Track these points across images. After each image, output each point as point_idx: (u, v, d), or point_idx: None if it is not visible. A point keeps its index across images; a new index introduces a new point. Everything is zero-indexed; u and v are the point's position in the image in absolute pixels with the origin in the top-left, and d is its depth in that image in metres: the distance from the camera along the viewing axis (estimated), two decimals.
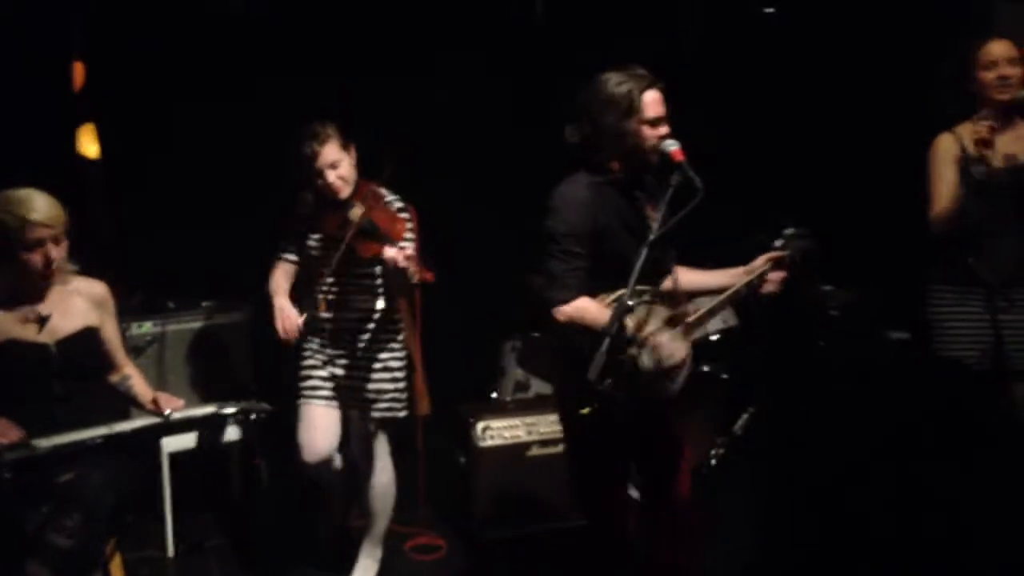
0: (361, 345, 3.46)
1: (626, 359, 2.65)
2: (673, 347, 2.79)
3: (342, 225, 3.33)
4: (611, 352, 2.55)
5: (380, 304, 3.46)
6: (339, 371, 3.49)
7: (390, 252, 3.15)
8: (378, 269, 3.43)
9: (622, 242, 2.83)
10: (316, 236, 3.47)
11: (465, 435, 4.09)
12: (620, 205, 2.87)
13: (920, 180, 3.39)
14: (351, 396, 3.48)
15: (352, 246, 3.29)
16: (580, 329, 2.74)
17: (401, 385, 3.50)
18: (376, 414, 3.47)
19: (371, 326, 3.46)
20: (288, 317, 3.39)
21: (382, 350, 3.47)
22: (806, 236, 2.97)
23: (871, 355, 4.63)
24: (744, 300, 2.97)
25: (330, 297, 3.46)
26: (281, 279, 3.52)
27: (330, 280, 3.44)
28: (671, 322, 2.83)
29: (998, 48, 3.22)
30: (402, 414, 3.52)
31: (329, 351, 3.50)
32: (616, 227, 2.85)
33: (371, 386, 3.45)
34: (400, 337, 3.52)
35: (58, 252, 2.87)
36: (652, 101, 2.82)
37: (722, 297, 2.93)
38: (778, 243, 2.99)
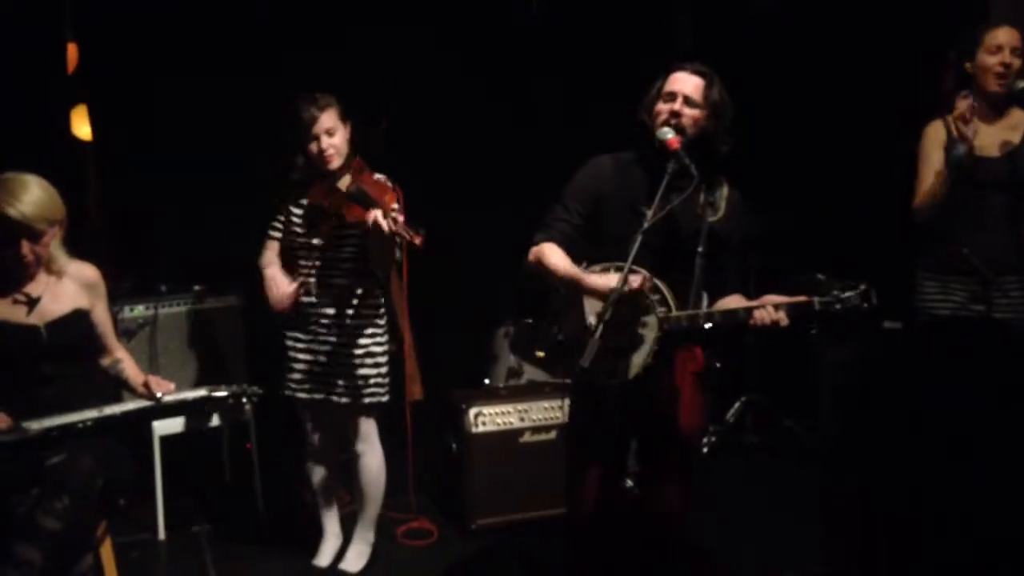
0: (343, 331, 3.44)
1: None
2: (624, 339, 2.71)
3: (330, 194, 3.34)
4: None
5: (360, 289, 3.44)
6: (322, 359, 3.47)
7: (378, 215, 3.12)
8: (360, 249, 3.41)
9: (619, 218, 2.81)
10: (299, 212, 3.46)
11: (457, 421, 4.09)
12: (638, 185, 2.84)
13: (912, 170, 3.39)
14: (336, 384, 3.46)
15: (340, 214, 3.28)
16: (535, 272, 2.82)
17: (384, 370, 3.49)
18: (363, 400, 3.46)
19: (353, 311, 3.44)
20: (280, 285, 3.44)
21: (364, 336, 3.45)
22: (847, 299, 2.60)
23: (864, 344, 4.65)
24: (740, 325, 2.69)
25: (311, 279, 3.45)
26: (272, 255, 3.54)
27: (311, 263, 3.44)
28: (635, 311, 2.69)
29: (1005, 35, 3.22)
30: (386, 398, 3.51)
31: (311, 339, 3.48)
32: (620, 202, 2.84)
33: (357, 372, 3.43)
34: (382, 322, 3.50)
35: (35, 249, 2.82)
36: (674, 78, 2.83)
37: (714, 309, 2.74)
38: (816, 298, 2.64)
